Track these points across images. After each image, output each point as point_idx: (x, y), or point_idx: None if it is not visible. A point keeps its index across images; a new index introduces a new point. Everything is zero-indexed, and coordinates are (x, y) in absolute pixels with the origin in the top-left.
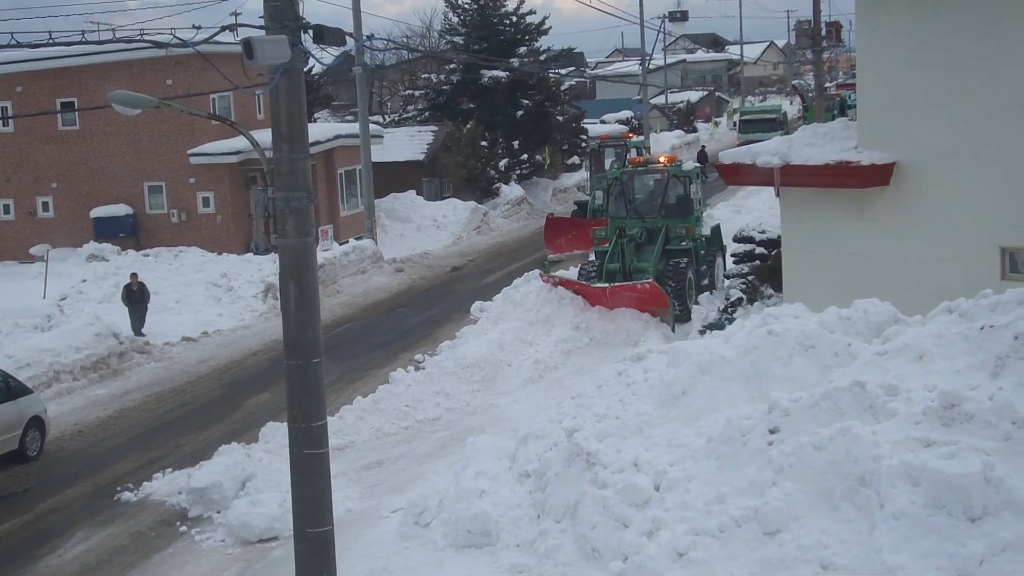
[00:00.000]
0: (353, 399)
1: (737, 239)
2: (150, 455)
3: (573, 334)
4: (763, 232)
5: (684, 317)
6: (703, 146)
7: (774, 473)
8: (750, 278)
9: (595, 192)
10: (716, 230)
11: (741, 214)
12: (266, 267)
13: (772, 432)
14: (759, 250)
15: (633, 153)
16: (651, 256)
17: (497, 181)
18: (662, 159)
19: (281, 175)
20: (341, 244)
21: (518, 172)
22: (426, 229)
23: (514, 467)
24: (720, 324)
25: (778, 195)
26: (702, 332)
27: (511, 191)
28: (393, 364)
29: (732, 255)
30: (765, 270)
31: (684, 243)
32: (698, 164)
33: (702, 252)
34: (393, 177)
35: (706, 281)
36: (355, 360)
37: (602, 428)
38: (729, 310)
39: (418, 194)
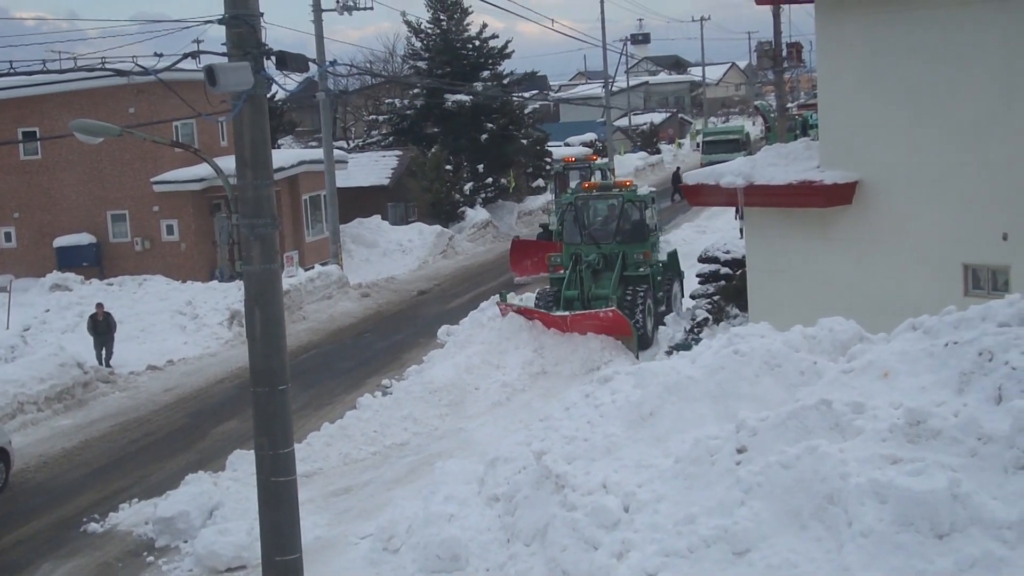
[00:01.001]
0: (320, 425)
1: (702, 259)
2: (116, 485)
3: (540, 357)
4: (728, 252)
5: (645, 341)
6: (678, 167)
7: (742, 493)
8: (715, 298)
9: (551, 217)
10: (673, 255)
11: (706, 234)
12: (231, 294)
13: (740, 452)
14: (724, 270)
15: (597, 176)
16: (610, 282)
17: (462, 205)
18: (627, 183)
19: (245, 201)
20: (307, 270)
21: (483, 196)
22: (392, 254)
23: (483, 491)
24: (687, 344)
25: (738, 217)
26: (669, 353)
27: (476, 215)
28: (360, 389)
29: (697, 275)
30: (730, 290)
31: (642, 269)
32: (652, 189)
33: (659, 278)
34: (358, 202)
35: (663, 308)
36: (322, 386)
37: (571, 450)
38: (695, 330)
39: (383, 219)
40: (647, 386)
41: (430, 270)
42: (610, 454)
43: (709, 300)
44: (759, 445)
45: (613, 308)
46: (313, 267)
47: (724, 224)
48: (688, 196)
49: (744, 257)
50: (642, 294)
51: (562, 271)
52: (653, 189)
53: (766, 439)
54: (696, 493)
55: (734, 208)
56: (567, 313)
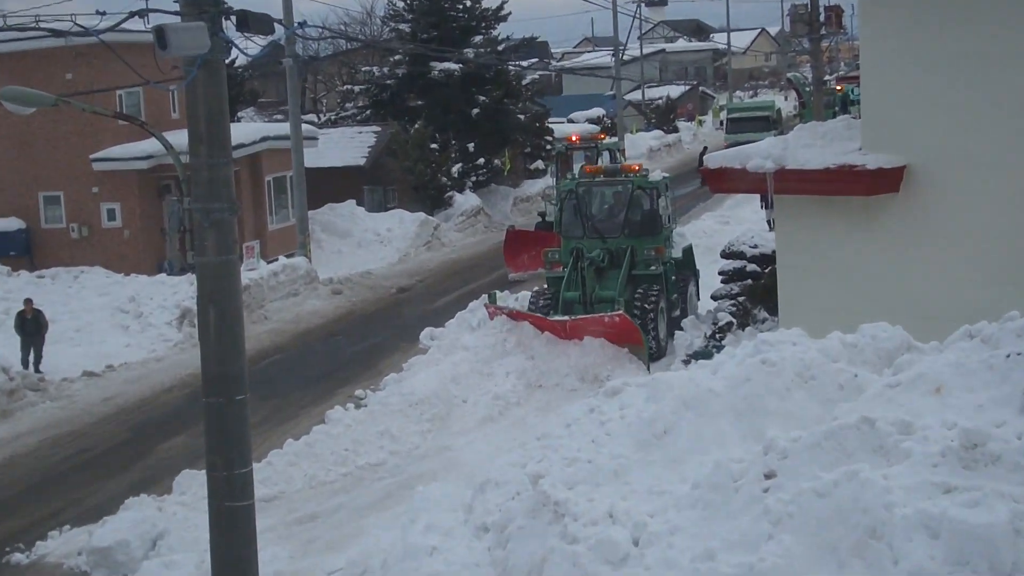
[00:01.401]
0: (283, 442)
1: (726, 254)
2: (45, 510)
3: (537, 366)
4: (755, 246)
5: (657, 351)
6: (705, 147)
7: (771, 524)
8: (740, 299)
9: (547, 204)
10: (688, 251)
11: (730, 226)
12: (182, 290)
13: (768, 477)
14: (751, 267)
15: (605, 158)
16: (616, 283)
17: (450, 189)
18: (638, 166)
19: (199, 183)
20: (269, 263)
21: (474, 179)
22: (368, 245)
23: (470, 519)
24: (707, 352)
25: (764, 206)
26: (686, 362)
27: (466, 200)
28: (330, 401)
29: (720, 273)
30: (758, 290)
31: (653, 267)
32: (666, 174)
33: (673, 277)
34: (330, 185)
35: (677, 312)
36: (285, 397)
37: (572, 473)
38: (717, 336)
39: (359, 204)
40: (661, 400)
41: (412, 264)
42: (618, 478)
43: (733, 301)
44: (790, 470)
45: (620, 312)
46: (277, 259)
47: (750, 214)
48: (709, 181)
49: (774, 252)
50: (654, 296)
51: (561, 269)
52: (667, 174)
53: (798, 463)
54: (717, 524)
55: (760, 196)
56: (566, 318)
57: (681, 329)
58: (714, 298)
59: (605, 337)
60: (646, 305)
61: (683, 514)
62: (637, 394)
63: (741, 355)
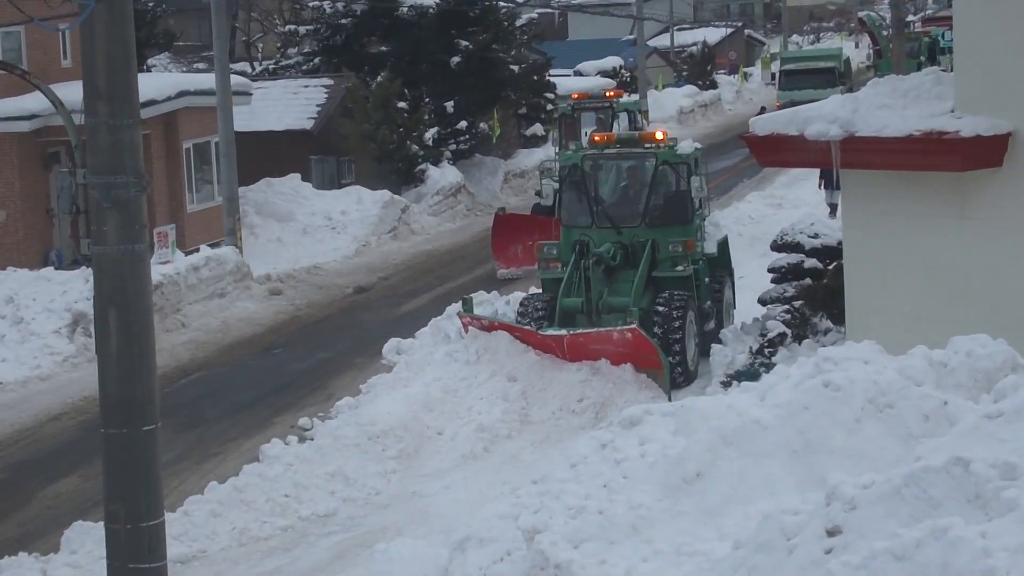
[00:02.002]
0: (205, 486)
1: (778, 246)
2: None
3: (534, 386)
4: (815, 236)
5: (683, 376)
6: (763, 107)
7: None
8: (796, 304)
9: (545, 183)
10: (723, 246)
11: (783, 209)
12: (74, 288)
13: (831, 534)
14: (809, 262)
15: (621, 122)
16: (631, 287)
17: (422, 160)
18: (661, 134)
19: (98, 150)
20: (188, 254)
21: (453, 147)
22: (316, 231)
23: None
24: (753, 372)
25: (823, 186)
26: (726, 384)
27: (443, 175)
28: (265, 433)
29: (771, 270)
30: (818, 292)
31: (681, 267)
32: (697, 145)
33: (706, 280)
34: (267, 154)
35: (711, 324)
36: (208, 427)
37: (578, 528)
38: (766, 351)
39: (304, 179)
40: (694, 433)
41: (374, 256)
42: (637, 534)
43: (787, 307)
44: (860, 525)
45: (633, 326)
46: (198, 250)
47: (809, 195)
48: (757, 152)
49: (840, 244)
50: (680, 305)
51: (559, 268)
52: (699, 145)
53: (870, 516)
54: None
55: (819, 173)
56: (564, 332)
57: (719, 342)
58: (762, 302)
59: (613, 359)
60: (671, 317)
61: None
62: (662, 425)
63: (797, 376)
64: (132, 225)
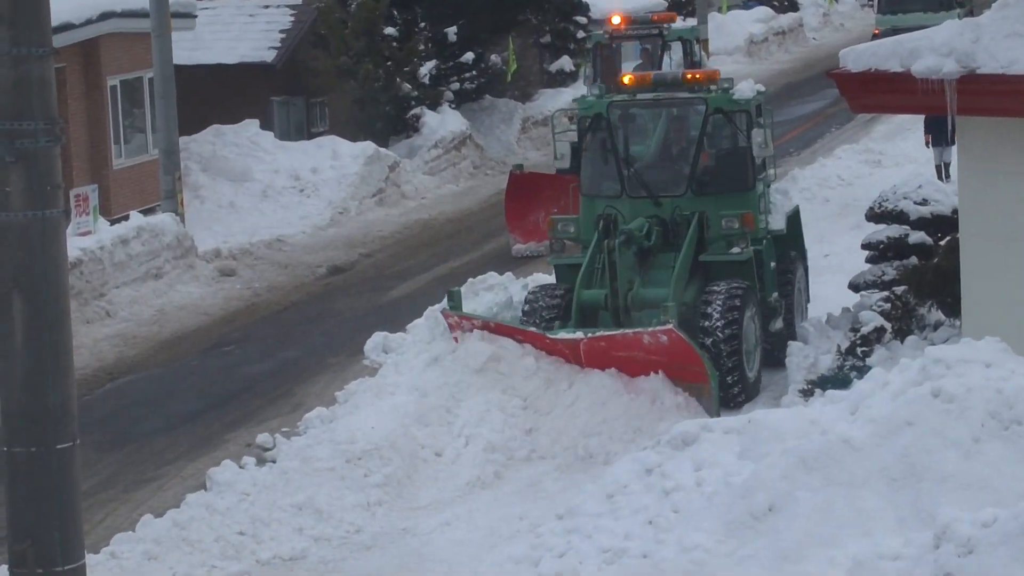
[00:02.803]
0: (137, 521)
1: (875, 216)
2: None
3: (558, 392)
4: (924, 203)
5: (741, 394)
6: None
7: None
8: (898, 290)
9: (558, 138)
10: (794, 219)
11: (882, 168)
12: None
13: None
14: (916, 237)
15: (673, 55)
16: (671, 275)
17: (416, 103)
18: (712, 74)
19: None
20: (115, 223)
21: (457, 87)
22: (280, 195)
23: None
24: (842, 378)
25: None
26: (807, 392)
27: (442, 123)
28: (214, 453)
29: (866, 246)
30: (927, 275)
31: (737, 248)
32: (760, 88)
33: (771, 264)
34: (216, 94)
35: (779, 323)
36: (141, 446)
37: None
38: (859, 350)
39: (265, 127)
40: (765, 456)
41: (353, 227)
42: None
43: (887, 294)
44: (978, 573)
45: (669, 326)
46: (127, 217)
47: (916, 149)
48: (849, 93)
49: (955, 213)
50: (738, 298)
51: (576, 250)
52: (762, 87)
53: (992, 561)
54: None
55: (926, 123)
56: (579, 334)
57: (800, 341)
58: (854, 288)
59: (640, 368)
60: (724, 315)
61: None
62: (723, 445)
63: (898, 383)
64: (42, 185)
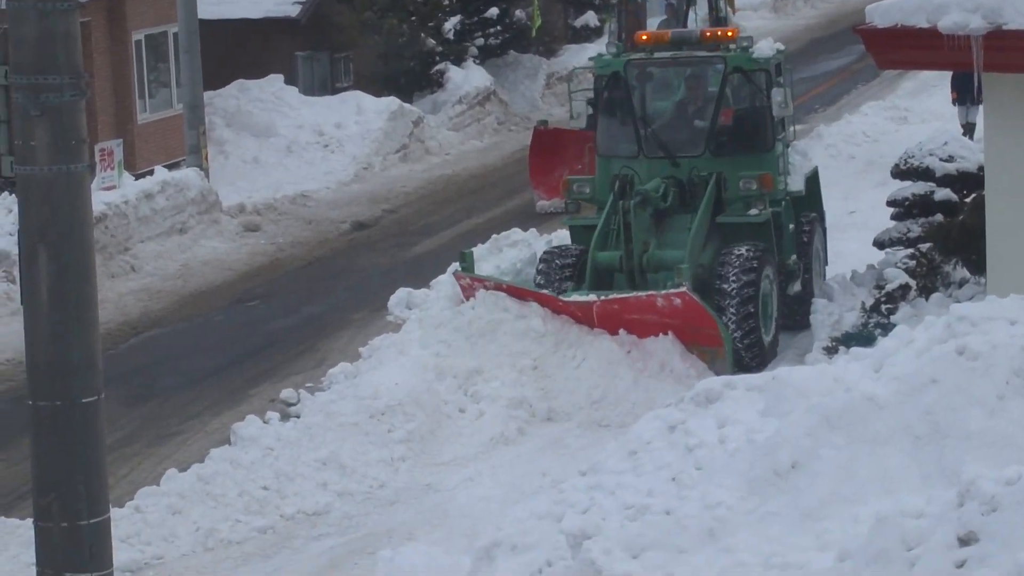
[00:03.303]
0: (161, 475)
1: (901, 172)
2: None
3: (582, 349)
4: (950, 159)
5: (757, 357)
6: None
7: None
8: (923, 247)
9: (575, 97)
10: (813, 181)
11: (908, 124)
12: None
13: (964, 543)
14: (942, 194)
15: (701, 8)
16: (687, 237)
17: (440, 59)
18: (730, 32)
19: (22, 43)
20: (139, 177)
21: (481, 42)
22: (304, 150)
23: None
24: (866, 335)
25: (957, 100)
26: (831, 350)
27: (467, 79)
28: (238, 408)
29: (891, 203)
30: (953, 232)
31: (755, 210)
32: (779, 46)
33: (789, 226)
34: (241, 49)
35: (796, 286)
36: (165, 400)
37: (639, 533)
38: (883, 307)
39: (289, 82)
40: (788, 414)
41: (377, 183)
42: (715, 541)
43: (912, 251)
44: (1002, 531)
45: (683, 289)
46: (152, 172)
47: (942, 105)
48: (875, 49)
49: (981, 170)
50: (754, 260)
51: (591, 211)
52: (780, 45)
53: (1016, 519)
54: None
55: (953, 80)
56: (592, 297)
57: (808, 310)
58: (879, 245)
59: (653, 331)
60: (741, 277)
61: None
62: (747, 403)
63: (923, 341)
64: (67, 140)
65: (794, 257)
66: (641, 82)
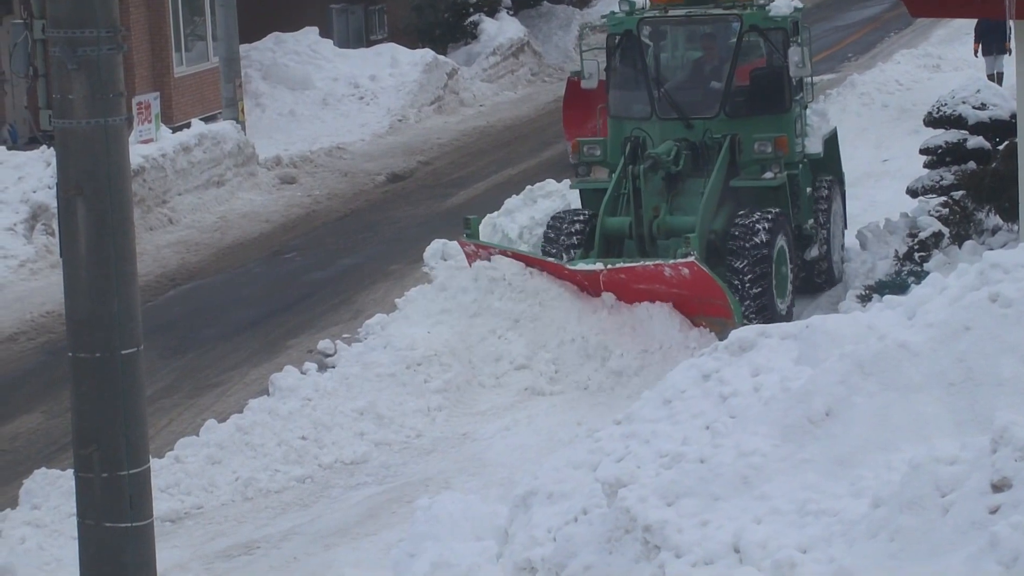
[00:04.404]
0: (200, 425)
1: (933, 121)
2: None
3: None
4: (982, 107)
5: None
6: None
7: (1001, 567)
8: (956, 195)
9: (585, 56)
10: (831, 143)
11: (940, 72)
12: (32, 173)
13: (998, 489)
14: (974, 141)
15: None
16: (699, 203)
17: (474, 10)
18: None
19: None
20: (176, 130)
21: None
22: (339, 103)
23: (507, 554)
24: (900, 283)
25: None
26: (865, 298)
27: (500, 30)
28: (276, 359)
29: (924, 151)
30: (985, 179)
31: (771, 173)
32: (797, 4)
33: (807, 190)
34: (276, 2)
35: (814, 251)
36: (204, 352)
37: (673, 480)
38: (916, 255)
39: (324, 35)
40: (822, 362)
41: (412, 135)
42: (749, 489)
43: (945, 199)
44: None
45: (691, 259)
46: (189, 125)
47: (973, 55)
48: None
49: (1014, 118)
50: (768, 226)
51: (603, 174)
52: (799, 3)
53: None
54: (912, 567)
55: (976, 33)
56: (599, 265)
57: (824, 276)
58: (912, 193)
59: (665, 300)
60: (754, 244)
61: (857, 548)
62: (781, 351)
63: (956, 288)
64: (105, 93)
65: (811, 222)
66: (654, 41)
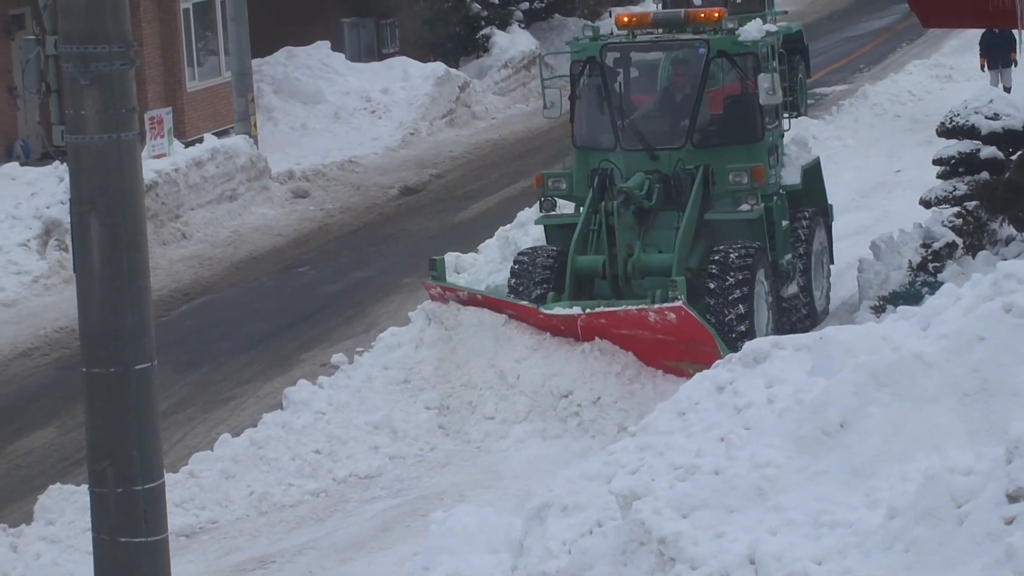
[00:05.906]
0: (215, 440)
1: (946, 131)
2: None
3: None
4: (995, 117)
5: None
6: None
7: None
8: (970, 206)
9: (547, 85)
10: (812, 173)
11: (952, 83)
12: (45, 188)
13: (1014, 499)
14: (987, 152)
15: None
16: (673, 238)
17: (485, 23)
18: (716, 14)
19: (73, 12)
20: (189, 145)
21: (526, 6)
22: (351, 116)
23: (522, 566)
24: (914, 294)
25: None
26: (879, 309)
27: (512, 43)
28: (290, 373)
29: (937, 161)
30: (999, 190)
31: (747, 205)
32: (770, 28)
33: (783, 223)
34: (288, 16)
35: (792, 287)
36: (218, 366)
37: (688, 492)
38: (930, 266)
39: (336, 49)
40: (836, 373)
41: (424, 148)
42: (764, 500)
43: (958, 209)
44: None
45: (678, 303)
46: (202, 139)
47: (980, 70)
48: (919, 9)
49: None
50: (747, 260)
51: (574, 211)
52: (772, 27)
53: None
54: None
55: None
56: (576, 310)
57: (801, 313)
58: (926, 204)
59: (646, 347)
60: (729, 281)
61: (872, 560)
62: (795, 363)
63: (970, 298)
64: (117, 108)
65: (789, 256)
66: (620, 67)
